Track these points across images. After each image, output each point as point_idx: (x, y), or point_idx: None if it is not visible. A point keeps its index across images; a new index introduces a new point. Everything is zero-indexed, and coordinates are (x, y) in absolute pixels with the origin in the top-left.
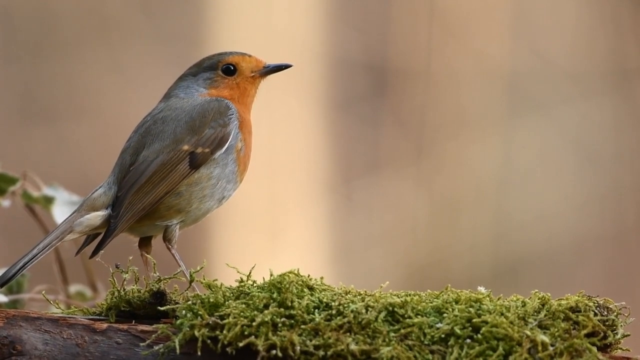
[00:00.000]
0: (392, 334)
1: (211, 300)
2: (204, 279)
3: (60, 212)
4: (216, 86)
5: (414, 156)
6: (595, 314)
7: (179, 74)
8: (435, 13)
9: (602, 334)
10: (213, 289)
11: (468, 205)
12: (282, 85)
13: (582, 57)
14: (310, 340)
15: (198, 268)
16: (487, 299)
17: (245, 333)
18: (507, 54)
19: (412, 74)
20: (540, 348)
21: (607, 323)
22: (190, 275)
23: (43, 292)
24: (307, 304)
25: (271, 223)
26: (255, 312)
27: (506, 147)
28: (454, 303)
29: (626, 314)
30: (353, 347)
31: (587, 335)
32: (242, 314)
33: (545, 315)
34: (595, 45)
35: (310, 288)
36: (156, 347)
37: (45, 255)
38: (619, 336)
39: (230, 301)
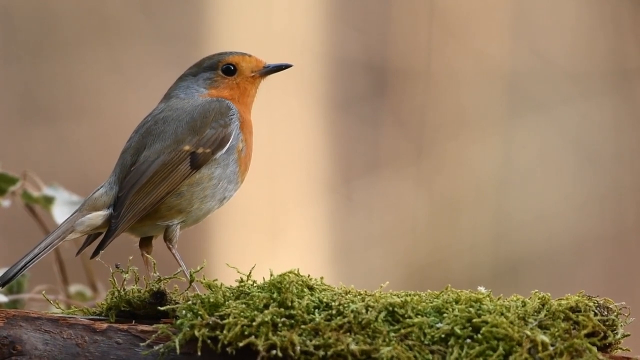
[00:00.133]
0: (392, 334)
1: (211, 300)
2: (204, 279)
3: (60, 212)
4: (216, 86)
5: (414, 156)
6: (596, 314)
7: (179, 74)
8: (435, 13)
9: (602, 334)
10: (213, 289)
11: (468, 205)
12: (282, 85)
13: (582, 57)
14: (311, 340)
15: (198, 268)
16: (487, 299)
17: (245, 333)
18: (507, 54)
19: (412, 74)
20: (540, 348)
21: (607, 323)
22: (191, 275)
23: (43, 292)
24: (307, 304)
25: (271, 223)
26: (255, 312)
27: (506, 147)
28: (454, 303)
29: (626, 314)
30: (353, 347)
31: (587, 335)
32: (242, 314)
33: (545, 315)
34: (595, 45)
35: (310, 288)
36: (156, 347)
37: (47, 255)
38: (619, 336)
39: (230, 301)
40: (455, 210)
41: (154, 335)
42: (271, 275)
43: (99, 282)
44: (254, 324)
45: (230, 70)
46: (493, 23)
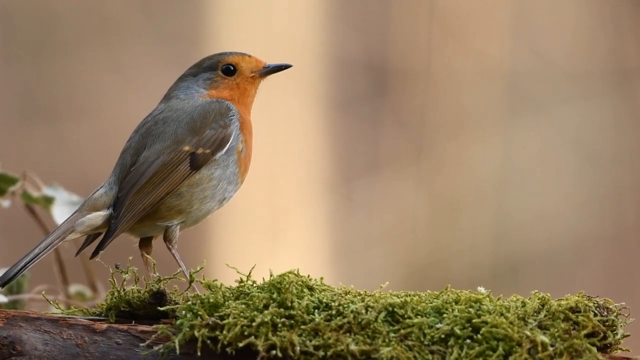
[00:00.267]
0: (392, 334)
1: (211, 300)
2: (204, 279)
3: (60, 212)
4: (216, 87)
5: (414, 156)
6: (595, 315)
7: (179, 74)
8: (435, 13)
9: (602, 335)
10: (213, 289)
11: (468, 205)
12: (282, 85)
13: (582, 57)
14: (310, 341)
15: (198, 268)
16: (487, 299)
17: (245, 333)
18: (507, 54)
19: (412, 74)
20: (540, 348)
21: (607, 323)
22: (190, 276)
23: (43, 292)
24: (307, 304)
25: (271, 223)
26: (255, 313)
27: (506, 147)
28: (453, 303)
29: (626, 314)
30: (353, 347)
31: (587, 336)
32: (242, 314)
33: (545, 316)
34: (595, 45)
35: (310, 288)
36: (156, 348)
37: (47, 255)
38: (618, 336)
39: (230, 301)
40: (455, 210)
41: (153, 336)
42: (271, 275)
43: (99, 282)
44: (254, 324)
45: (230, 70)
46: (493, 23)
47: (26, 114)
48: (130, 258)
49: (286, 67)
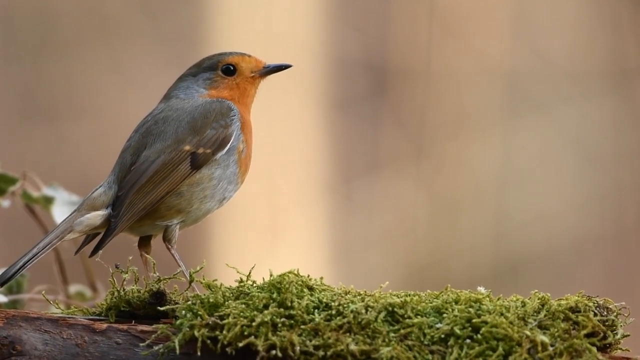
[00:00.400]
0: (391, 334)
1: (211, 300)
2: (204, 279)
3: (60, 212)
4: (216, 86)
5: (414, 156)
6: (595, 314)
7: (179, 74)
8: (435, 13)
9: (601, 334)
10: (213, 289)
11: (468, 205)
12: (282, 85)
13: (582, 57)
14: (310, 341)
15: (198, 268)
16: (487, 299)
17: (245, 333)
18: (507, 54)
19: (412, 74)
20: (540, 348)
21: (606, 323)
22: (190, 276)
23: (43, 292)
24: (307, 304)
25: (271, 223)
26: (255, 312)
27: (506, 147)
28: (453, 303)
29: (626, 314)
30: (353, 347)
31: (587, 336)
32: (241, 314)
33: (545, 316)
34: (595, 45)
35: (310, 288)
36: (156, 347)
37: (46, 254)
38: (618, 336)
39: (230, 301)
40: (455, 210)
41: (153, 336)
42: (271, 275)
43: (99, 282)
44: (254, 324)
45: (230, 70)
46: (493, 23)
47: (26, 114)
48: (130, 258)
49: (286, 67)
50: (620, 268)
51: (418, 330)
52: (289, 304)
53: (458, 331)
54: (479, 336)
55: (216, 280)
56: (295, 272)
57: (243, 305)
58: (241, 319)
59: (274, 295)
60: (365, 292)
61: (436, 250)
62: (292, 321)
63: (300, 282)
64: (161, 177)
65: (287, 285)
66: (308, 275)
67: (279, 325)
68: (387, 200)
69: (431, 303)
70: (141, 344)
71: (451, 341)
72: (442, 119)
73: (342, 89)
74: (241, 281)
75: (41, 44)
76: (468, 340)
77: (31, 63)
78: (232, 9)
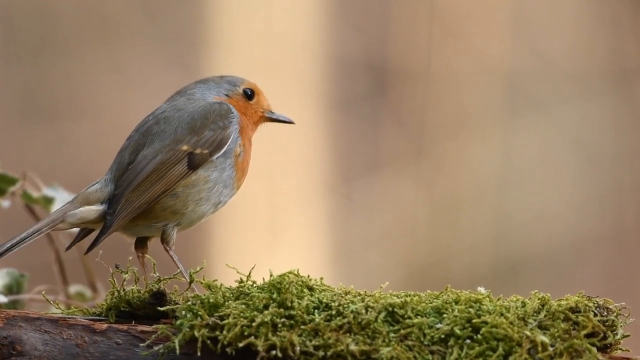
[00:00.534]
0: (391, 335)
1: (211, 300)
2: (204, 280)
3: None
4: (234, 99)
5: (414, 156)
6: (595, 315)
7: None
8: (435, 13)
9: (601, 335)
10: (213, 290)
11: (468, 205)
12: (282, 85)
13: (582, 57)
14: (310, 341)
15: (198, 268)
16: (487, 299)
17: (245, 333)
18: (507, 54)
19: (412, 74)
20: (540, 348)
21: (606, 323)
22: (190, 276)
23: (43, 292)
24: (307, 304)
25: (271, 223)
26: (255, 313)
27: (506, 147)
28: (453, 303)
29: (626, 315)
30: (353, 347)
31: (587, 336)
32: (242, 314)
33: (545, 316)
34: (595, 45)
35: (310, 288)
36: (156, 348)
37: (34, 240)
38: (618, 337)
39: (230, 301)
40: (455, 210)
41: (153, 336)
42: (271, 275)
43: (99, 282)
44: (254, 324)
45: (248, 94)
46: (493, 23)
47: (26, 114)
48: (130, 258)
49: (290, 122)
50: (620, 268)
51: (418, 330)
52: (289, 304)
53: (458, 331)
54: (479, 336)
55: (216, 280)
56: (295, 272)
57: (243, 306)
58: (241, 319)
59: (274, 296)
60: (365, 292)
61: (436, 250)
62: (292, 321)
63: (300, 283)
64: (157, 176)
65: (287, 286)
66: (308, 276)
67: (279, 325)
68: (387, 200)
69: (431, 303)
70: (141, 344)
71: (451, 341)
72: (442, 119)
73: (342, 89)
74: (241, 281)
75: (41, 44)
76: (468, 341)
77: (31, 63)
78: (232, 9)
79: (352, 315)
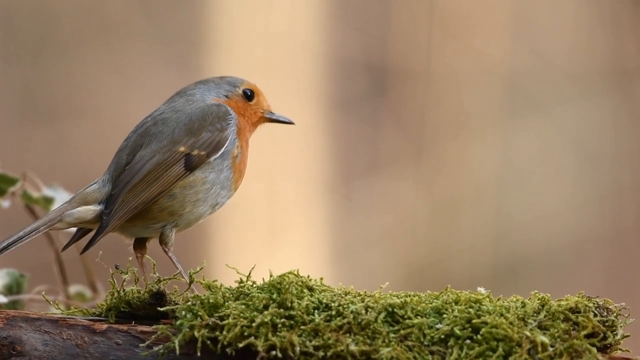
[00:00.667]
0: (391, 335)
1: (211, 301)
2: (204, 280)
3: None
4: (233, 100)
5: (414, 156)
6: (595, 315)
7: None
8: (435, 13)
9: (601, 335)
10: (213, 290)
11: (468, 205)
12: (282, 85)
13: (582, 57)
14: (310, 341)
15: (198, 269)
16: (487, 299)
17: (245, 334)
18: (507, 54)
19: (412, 74)
20: (540, 349)
21: (606, 324)
22: (190, 277)
23: (43, 292)
24: (307, 304)
25: (271, 223)
26: (255, 313)
27: (506, 147)
28: (453, 304)
29: (626, 315)
30: (353, 347)
31: (587, 336)
32: (241, 314)
33: (545, 316)
34: (595, 45)
35: (310, 289)
36: (156, 348)
37: (32, 239)
38: (618, 337)
39: (230, 302)
40: (455, 210)
41: (153, 336)
42: (271, 275)
43: (99, 282)
44: (254, 324)
45: (248, 95)
46: (493, 23)
47: (26, 114)
48: (130, 259)
49: (289, 122)
50: (620, 268)
51: (418, 330)
52: (289, 305)
53: (458, 332)
54: (478, 337)
55: (216, 280)
56: (295, 272)
57: (243, 306)
58: (241, 319)
59: (274, 296)
60: (365, 292)
61: (436, 250)
62: (292, 322)
63: (300, 283)
64: (154, 176)
65: (287, 286)
66: (308, 276)
67: (279, 325)
68: (387, 200)
69: (431, 304)
70: (141, 345)
71: (451, 342)
72: (442, 119)
73: (342, 89)
74: (241, 282)
75: (41, 44)
76: (468, 341)
77: (31, 63)
78: (232, 9)
79: (352, 316)
